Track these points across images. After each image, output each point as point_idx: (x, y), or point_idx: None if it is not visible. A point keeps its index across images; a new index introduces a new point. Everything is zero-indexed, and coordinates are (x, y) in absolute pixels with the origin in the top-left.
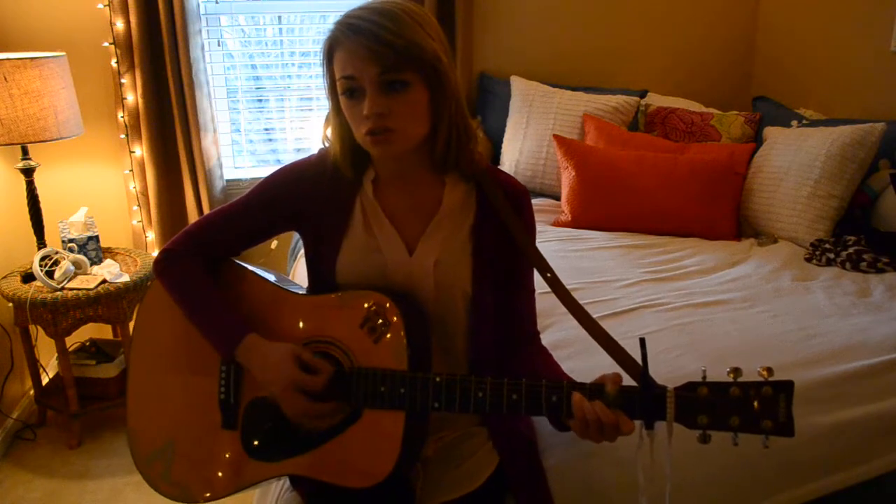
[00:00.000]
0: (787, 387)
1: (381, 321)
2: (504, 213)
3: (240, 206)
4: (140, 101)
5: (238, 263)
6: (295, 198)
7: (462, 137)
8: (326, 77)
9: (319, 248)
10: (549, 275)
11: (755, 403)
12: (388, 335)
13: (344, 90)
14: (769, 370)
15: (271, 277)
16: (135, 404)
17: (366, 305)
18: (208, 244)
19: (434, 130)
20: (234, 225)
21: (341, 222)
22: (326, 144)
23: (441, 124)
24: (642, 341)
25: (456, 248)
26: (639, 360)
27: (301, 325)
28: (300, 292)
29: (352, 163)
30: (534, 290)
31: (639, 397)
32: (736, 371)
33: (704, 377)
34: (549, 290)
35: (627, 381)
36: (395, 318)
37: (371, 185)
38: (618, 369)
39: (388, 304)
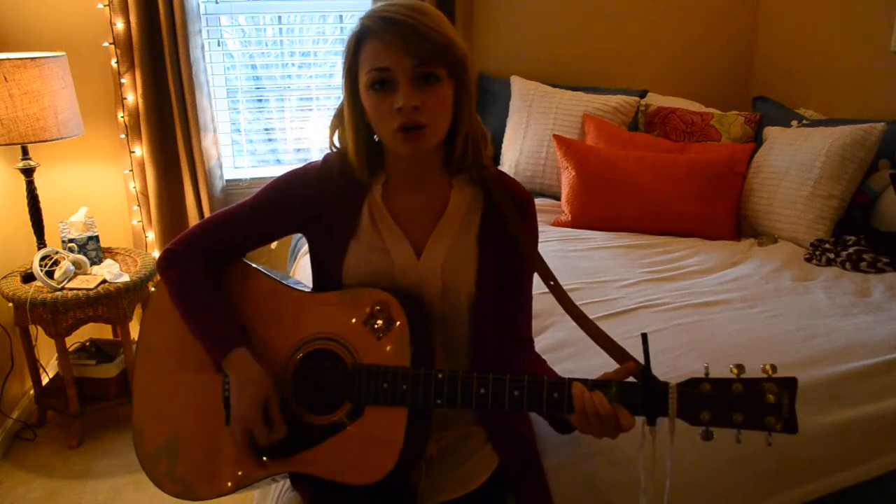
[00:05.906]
0: (790, 383)
1: (384, 319)
2: (510, 219)
3: (245, 209)
4: (140, 101)
5: (242, 261)
6: (301, 202)
7: (476, 137)
8: (347, 72)
9: (326, 251)
10: (552, 283)
11: (758, 400)
12: (392, 333)
13: (373, 82)
14: (773, 367)
15: (275, 276)
16: (140, 401)
17: (370, 303)
18: (212, 246)
19: (453, 129)
20: (239, 227)
21: (348, 226)
22: (334, 150)
23: (461, 123)
24: (644, 336)
25: (463, 250)
26: (640, 359)
27: (304, 321)
28: (304, 290)
29: (367, 163)
30: (531, 297)
31: (641, 392)
32: (739, 367)
33: (707, 374)
34: (548, 290)
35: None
36: (398, 316)
37: (381, 188)
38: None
39: (392, 302)
